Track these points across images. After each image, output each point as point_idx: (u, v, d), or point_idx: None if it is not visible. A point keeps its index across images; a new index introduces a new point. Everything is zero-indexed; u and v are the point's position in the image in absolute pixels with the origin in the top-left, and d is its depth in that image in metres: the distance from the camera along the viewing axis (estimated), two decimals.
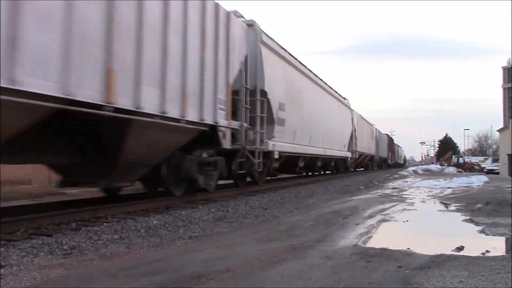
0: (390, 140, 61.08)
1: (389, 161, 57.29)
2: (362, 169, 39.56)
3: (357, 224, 7.21)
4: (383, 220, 7.79)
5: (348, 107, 28.37)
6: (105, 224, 6.58)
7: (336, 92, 24.85)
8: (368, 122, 37.78)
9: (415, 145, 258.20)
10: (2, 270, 4.17)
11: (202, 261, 4.59)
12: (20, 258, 4.64)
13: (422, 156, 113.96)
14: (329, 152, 21.92)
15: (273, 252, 4.98)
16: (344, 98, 27.36)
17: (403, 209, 9.57)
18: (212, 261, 4.57)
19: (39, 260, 4.64)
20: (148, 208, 8.28)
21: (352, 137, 28.68)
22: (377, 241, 5.79)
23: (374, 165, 43.71)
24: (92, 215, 7.17)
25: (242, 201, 10.21)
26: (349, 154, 27.60)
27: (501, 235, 6.45)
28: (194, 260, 4.66)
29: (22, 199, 10.70)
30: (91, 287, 3.77)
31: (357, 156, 30.60)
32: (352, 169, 31.94)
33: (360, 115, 33.24)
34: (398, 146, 78.45)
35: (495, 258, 4.76)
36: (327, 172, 25.97)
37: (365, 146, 34.97)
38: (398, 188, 17.22)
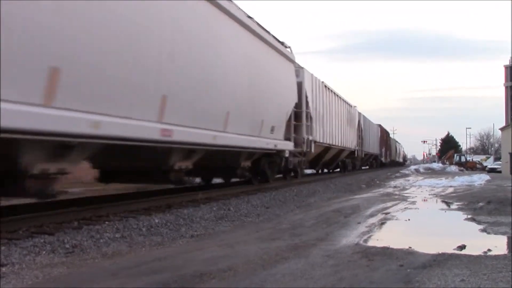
0: (384, 132, 48.07)
1: (383, 159, 45.34)
2: (338, 170, 28.15)
3: (358, 223, 7.20)
4: (385, 219, 7.79)
5: (289, 59, 14.21)
6: (107, 222, 6.59)
7: (250, 18, 11.10)
8: (341, 99, 24.02)
9: (417, 143, 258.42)
10: (4, 269, 4.18)
11: (204, 260, 4.60)
12: (22, 256, 4.64)
13: (424, 155, 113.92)
14: (210, 139, 9.09)
15: (275, 251, 4.98)
16: (282, 43, 13.64)
17: (405, 208, 9.57)
18: (214, 260, 4.58)
19: (41, 258, 4.65)
20: (150, 207, 8.29)
21: (301, 116, 16.15)
22: (378, 240, 5.79)
23: (358, 163, 32.12)
24: (93, 213, 7.18)
25: (243, 200, 10.21)
26: (288, 146, 14.38)
27: (503, 234, 6.44)
28: (196, 259, 4.67)
29: (23, 198, 10.69)
30: (93, 286, 3.77)
31: (313, 150, 17.53)
32: (305, 172, 19.74)
33: (323, 81, 19.48)
34: (397, 142, 68.90)
35: (497, 257, 4.75)
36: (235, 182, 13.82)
37: (336, 135, 22.09)
38: (399, 186, 17.21)
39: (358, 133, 29.48)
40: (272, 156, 13.70)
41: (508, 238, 6.22)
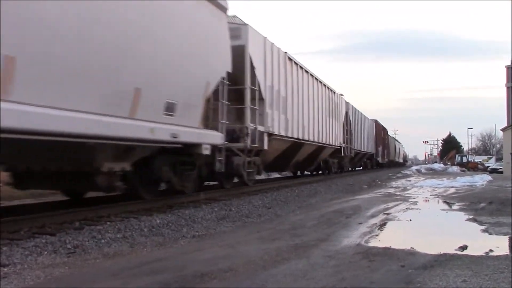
0: (381, 129, 42.53)
1: (379, 159, 40.69)
2: (321, 172, 22.42)
3: (360, 224, 7.20)
4: (386, 220, 7.78)
5: (216, 3, 9.07)
6: (108, 223, 6.60)
7: None
8: (319, 81, 18.67)
9: (418, 144, 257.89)
10: (6, 269, 4.19)
11: (205, 260, 4.60)
12: (24, 257, 4.66)
13: (425, 155, 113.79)
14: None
15: (276, 251, 4.98)
16: None
17: (406, 208, 9.56)
18: (215, 260, 4.58)
19: (42, 259, 4.66)
20: (151, 207, 8.29)
21: (243, 96, 11.47)
22: (380, 241, 5.78)
23: (346, 164, 26.77)
24: (95, 214, 7.18)
25: (245, 200, 10.22)
26: (209, 138, 9.25)
27: (504, 234, 6.43)
28: (197, 259, 4.67)
29: (25, 198, 10.72)
30: (95, 286, 3.78)
31: (266, 146, 12.61)
32: (256, 178, 13.67)
33: (286, 52, 14.47)
34: (396, 140, 64.89)
35: (498, 257, 4.75)
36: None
37: (311, 127, 17.23)
38: (401, 187, 17.19)
39: (345, 127, 24.70)
40: (181, 155, 8.83)
41: (510, 238, 6.21)
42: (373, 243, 5.63)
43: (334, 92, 21.65)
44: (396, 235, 6.75)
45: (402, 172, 35.56)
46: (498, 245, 5.50)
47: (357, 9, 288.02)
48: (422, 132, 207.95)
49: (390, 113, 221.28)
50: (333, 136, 21.33)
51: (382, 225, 7.17)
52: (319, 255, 4.83)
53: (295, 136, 15.38)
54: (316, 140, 18.09)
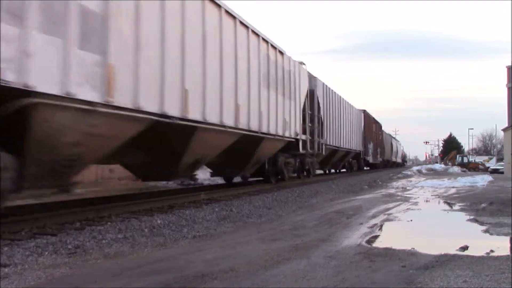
0: (372, 122, 35.09)
1: (370, 158, 33.31)
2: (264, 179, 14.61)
3: (360, 224, 7.20)
4: (387, 220, 7.78)
5: None
6: (109, 223, 6.61)
7: None
8: (236, 19, 10.32)
9: (419, 144, 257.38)
10: (6, 269, 4.20)
11: (206, 261, 4.60)
12: (25, 257, 4.66)
13: (426, 156, 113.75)
14: None
15: (276, 252, 4.98)
16: None
17: (407, 209, 9.55)
18: (215, 261, 4.58)
19: (43, 259, 4.66)
20: (152, 208, 8.31)
21: None
22: (381, 241, 5.79)
23: (312, 165, 18.62)
24: (96, 214, 7.20)
25: (245, 201, 10.22)
26: None
27: (505, 234, 6.43)
28: (198, 260, 4.67)
29: (26, 199, 10.71)
30: (95, 287, 3.78)
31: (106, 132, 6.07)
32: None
33: None
34: (394, 138, 58.40)
35: (499, 258, 4.74)
36: None
37: (207, 95, 9.00)
38: (402, 187, 17.17)
39: (308, 111, 16.90)
40: None
41: (511, 239, 6.21)
42: (374, 243, 5.63)
43: (283, 53, 13.70)
44: (397, 235, 6.75)
45: (403, 172, 35.48)
46: (499, 245, 5.50)
47: (358, 9, 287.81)
48: (422, 132, 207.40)
49: (390, 113, 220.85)
50: (281, 122, 13.59)
51: (383, 226, 7.17)
52: (320, 256, 4.83)
53: (153, 109, 7.40)
54: (234, 125, 10.46)
